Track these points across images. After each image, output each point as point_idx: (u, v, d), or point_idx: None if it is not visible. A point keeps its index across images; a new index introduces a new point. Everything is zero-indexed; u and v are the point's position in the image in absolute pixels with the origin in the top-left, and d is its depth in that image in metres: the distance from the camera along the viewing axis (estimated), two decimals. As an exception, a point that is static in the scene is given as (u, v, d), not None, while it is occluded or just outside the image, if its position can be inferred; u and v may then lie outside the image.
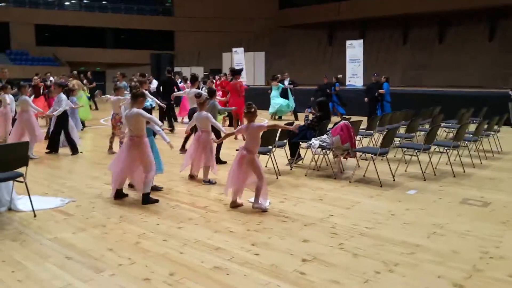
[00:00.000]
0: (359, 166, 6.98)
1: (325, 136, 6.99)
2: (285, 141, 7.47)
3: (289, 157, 7.63)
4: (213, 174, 6.38)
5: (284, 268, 3.59)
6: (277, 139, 6.98)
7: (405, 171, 7.31)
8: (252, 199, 5.36)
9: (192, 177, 6.59)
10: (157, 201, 5.33)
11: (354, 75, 19.98)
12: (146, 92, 9.88)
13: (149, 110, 5.97)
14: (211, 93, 7.76)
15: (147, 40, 35.00)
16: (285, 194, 5.84)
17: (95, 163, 7.82)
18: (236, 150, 5.54)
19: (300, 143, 7.36)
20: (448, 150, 7.17)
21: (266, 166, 6.88)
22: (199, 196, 5.70)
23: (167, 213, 4.98)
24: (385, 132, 7.18)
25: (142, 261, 3.65)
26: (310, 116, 7.87)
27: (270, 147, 6.74)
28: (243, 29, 34.88)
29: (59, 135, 8.41)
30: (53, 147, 8.41)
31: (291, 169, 7.41)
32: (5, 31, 31.42)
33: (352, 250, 3.97)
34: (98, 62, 34.23)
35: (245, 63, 24.58)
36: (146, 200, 5.25)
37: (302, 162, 7.67)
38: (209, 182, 6.33)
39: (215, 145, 6.64)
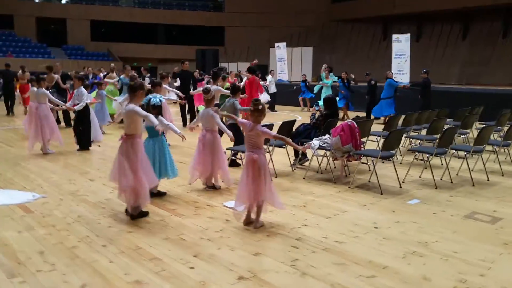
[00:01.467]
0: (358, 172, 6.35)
1: (326, 136, 6.41)
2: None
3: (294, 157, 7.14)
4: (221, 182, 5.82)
5: (212, 286, 3.17)
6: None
7: (420, 177, 6.58)
8: (228, 203, 4.95)
9: (209, 187, 5.79)
10: (146, 214, 4.65)
11: (400, 71, 18.76)
12: (166, 86, 9.75)
13: (159, 107, 5.19)
14: (234, 90, 7.19)
15: (198, 36, 35.37)
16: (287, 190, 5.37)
17: (101, 159, 7.76)
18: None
19: (304, 143, 6.81)
20: (468, 155, 6.32)
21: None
22: (178, 198, 5.38)
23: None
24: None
25: (63, 269, 3.38)
26: (317, 115, 7.29)
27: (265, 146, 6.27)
28: (294, 23, 34.28)
29: (87, 130, 8.33)
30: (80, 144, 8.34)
31: (292, 170, 6.90)
32: (62, 27, 33.07)
33: (303, 269, 3.46)
34: (149, 57, 35.13)
35: (293, 58, 24.04)
36: (137, 216, 4.54)
37: (309, 164, 7.12)
38: (213, 186, 5.77)
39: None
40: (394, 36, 19.15)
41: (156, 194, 5.26)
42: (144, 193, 4.40)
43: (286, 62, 23.05)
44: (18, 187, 5.69)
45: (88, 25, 33.99)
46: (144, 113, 4.52)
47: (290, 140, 4.45)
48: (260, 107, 4.33)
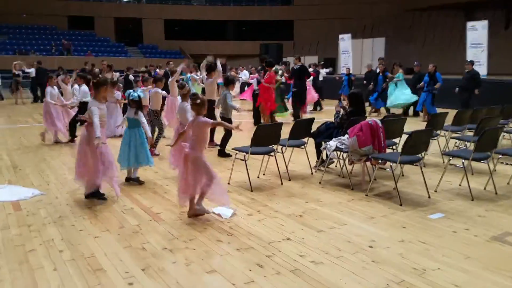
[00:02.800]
0: (373, 177, 5.58)
1: (346, 136, 5.74)
2: (305, 139, 6.37)
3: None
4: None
5: (137, 308, 2.81)
6: (284, 136, 5.96)
7: (460, 185, 5.67)
8: (216, 209, 4.58)
9: None
10: (104, 199, 4.96)
11: (477, 63, 16.92)
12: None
13: (137, 102, 5.49)
14: (228, 83, 7.13)
15: (267, 31, 35.14)
16: (265, 205, 4.89)
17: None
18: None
19: (323, 143, 6.19)
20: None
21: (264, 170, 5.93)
22: (169, 200, 5.09)
23: (107, 217, 4.48)
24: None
25: (4, 274, 3.22)
26: (342, 112, 6.58)
27: (272, 146, 5.78)
28: (366, 14, 32.71)
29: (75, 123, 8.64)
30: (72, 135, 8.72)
31: (312, 173, 6.31)
32: (138, 27, 34.62)
33: (254, 295, 2.98)
34: (218, 54, 35.59)
35: (364, 51, 22.86)
36: (91, 194, 4.95)
37: (336, 166, 6.48)
38: None
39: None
40: (469, 24, 17.34)
41: (135, 180, 5.66)
42: (90, 179, 4.83)
43: (351, 55, 21.92)
44: (27, 182, 5.77)
45: (162, 24, 35.25)
46: (93, 115, 4.73)
47: (225, 123, 4.38)
48: (198, 101, 4.31)
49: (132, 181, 5.66)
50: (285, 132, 5.93)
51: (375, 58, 21.66)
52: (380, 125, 5.61)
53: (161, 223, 4.34)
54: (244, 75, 19.64)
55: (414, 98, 12.88)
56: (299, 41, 35.16)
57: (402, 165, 5.11)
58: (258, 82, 11.66)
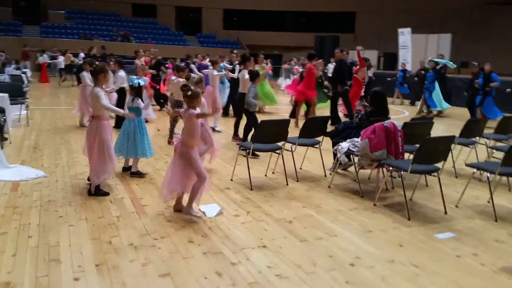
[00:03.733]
0: (388, 188, 5.07)
1: (359, 138, 5.28)
2: (318, 138, 5.96)
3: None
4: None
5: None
6: (291, 134, 5.60)
7: (488, 202, 5.04)
8: (202, 207, 4.37)
9: None
10: (107, 194, 4.73)
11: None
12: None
13: (137, 88, 5.45)
14: (253, 76, 6.83)
15: (327, 23, 34.25)
16: (258, 207, 4.60)
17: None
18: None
19: (339, 142, 5.75)
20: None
21: (269, 170, 5.60)
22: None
23: (92, 205, 4.40)
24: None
25: (-43, 257, 3.22)
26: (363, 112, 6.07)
27: (279, 144, 5.44)
28: (435, 7, 30.84)
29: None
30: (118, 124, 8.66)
31: (325, 175, 5.90)
32: (197, 16, 35.09)
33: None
34: (275, 45, 35.25)
35: (429, 47, 21.50)
36: (95, 192, 4.68)
37: (357, 170, 6.02)
38: None
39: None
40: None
41: (135, 173, 5.46)
42: (94, 172, 4.62)
43: (410, 51, 20.68)
44: (38, 164, 5.88)
45: (221, 13, 35.48)
46: (102, 100, 4.48)
47: (206, 112, 4.15)
48: (189, 93, 4.01)
49: (132, 175, 5.45)
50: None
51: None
52: (399, 128, 5.10)
53: (142, 216, 4.19)
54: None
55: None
56: (361, 34, 33.94)
57: (402, 174, 4.58)
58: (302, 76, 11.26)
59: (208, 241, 3.68)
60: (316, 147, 5.93)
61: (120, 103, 8.30)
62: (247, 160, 5.25)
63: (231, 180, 5.50)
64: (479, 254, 3.67)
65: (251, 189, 5.17)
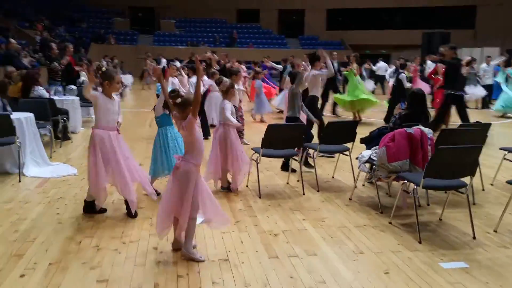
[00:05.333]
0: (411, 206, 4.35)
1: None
2: (347, 145, 5.41)
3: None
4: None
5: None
6: (311, 138, 5.17)
7: None
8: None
9: (223, 188, 5.13)
10: (104, 211, 4.33)
11: None
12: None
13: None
14: (293, 78, 6.28)
15: (443, 19, 31.55)
16: (252, 216, 4.32)
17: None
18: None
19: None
20: None
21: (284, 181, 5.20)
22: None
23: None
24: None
25: None
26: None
27: (293, 150, 5.06)
28: None
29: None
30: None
31: (355, 187, 5.33)
32: (300, 18, 34.95)
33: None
34: (384, 44, 33.50)
35: None
36: (85, 209, 4.32)
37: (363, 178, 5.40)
38: (228, 188, 5.09)
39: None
40: None
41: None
42: (91, 186, 4.18)
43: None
44: (77, 162, 6.29)
45: (324, 14, 34.88)
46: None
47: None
48: (178, 100, 3.37)
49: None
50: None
51: None
52: (430, 136, 4.40)
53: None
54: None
55: None
56: (482, 30, 30.59)
57: (415, 189, 3.87)
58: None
59: (170, 250, 3.53)
60: (346, 154, 5.40)
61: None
62: (257, 166, 4.98)
63: (246, 186, 5.27)
64: (487, 292, 2.96)
65: (260, 197, 4.89)
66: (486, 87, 14.02)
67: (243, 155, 4.98)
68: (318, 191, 5.18)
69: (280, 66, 13.20)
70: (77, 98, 8.58)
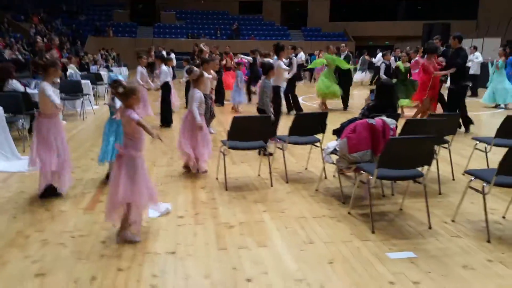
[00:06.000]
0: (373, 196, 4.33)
1: (347, 137, 4.64)
2: (319, 136, 5.39)
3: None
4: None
5: None
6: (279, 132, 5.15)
7: (504, 217, 4.11)
8: (153, 214, 4.15)
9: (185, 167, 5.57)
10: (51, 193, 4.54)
11: None
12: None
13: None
14: (266, 69, 6.28)
15: (442, 10, 31.18)
16: (213, 208, 4.34)
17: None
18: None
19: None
20: None
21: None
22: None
23: (58, 202, 4.60)
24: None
25: None
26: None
27: (263, 142, 5.05)
28: None
29: (167, 106, 8.73)
30: (164, 121, 8.79)
31: (325, 177, 5.33)
32: (303, 9, 34.70)
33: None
34: (387, 36, 33.19)
35: None
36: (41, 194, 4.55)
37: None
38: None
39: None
40: None
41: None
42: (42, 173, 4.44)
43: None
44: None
45: (328, 5, 34.60)
46: (48, 93, 4.27)
47: (149, 128, 3.47)
48: (120, 90, 3.45)
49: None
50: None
51: None
52: (392, 126, 4.37)
53: (83, 213, 4.22)
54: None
55: None
56: (484, 20, 30.09)
57: (369, 179, 3.85)
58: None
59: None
60: (317, 146, 5.38)
61: (165, 98, 8.58)
62: (224, 158, 4.99)
63: (216, 178, 5.29)
64: (422, 283, 2.95)
65: (226, 189, 4.90)
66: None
67: (206, 142, 5.34)
68: (287, 182, 5.18)
69: (250, 58, 13.15)
70: (57, 91, 8.63)
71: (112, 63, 19.18)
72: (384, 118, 4.38)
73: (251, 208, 4.35)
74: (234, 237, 3.68)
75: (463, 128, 8.29)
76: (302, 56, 23.10)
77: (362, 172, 4.08)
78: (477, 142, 5.41)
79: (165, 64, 8.63)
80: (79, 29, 27.66)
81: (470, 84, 13.01)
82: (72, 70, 12.56)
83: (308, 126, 5.21)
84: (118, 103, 4.55)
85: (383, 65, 10.24)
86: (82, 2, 32.15)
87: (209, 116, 7.12)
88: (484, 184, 3.65)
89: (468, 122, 8.31)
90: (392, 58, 13.33)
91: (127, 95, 3.47)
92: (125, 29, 30.11)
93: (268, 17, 34.25)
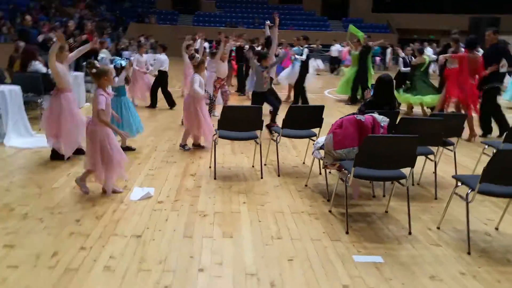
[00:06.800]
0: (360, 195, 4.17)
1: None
2: (316, 130, 5.26)
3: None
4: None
5: None
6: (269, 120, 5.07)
7: (496, 228, 3.88)
8: (137, 189, 4.32)
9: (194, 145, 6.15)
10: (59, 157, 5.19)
11: None
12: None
13: (119, 70, 5.53)
14: (261, 57, 6.47)
15: (493, 2, 29.47)
16: (194, 196, 4.34)
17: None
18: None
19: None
20: None
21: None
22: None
23: (45, 173, 4.76)
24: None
25: None
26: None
27: (255, 132, 4.99)
28: None
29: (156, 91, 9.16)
30: (152, 102, 9.23)
31: (320, 173, 5.21)
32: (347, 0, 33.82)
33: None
34: (432, 29, 31.84)
35: None
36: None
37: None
38: (198, 145, 6.07)
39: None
40: None
41: (126, 148, 5.48)
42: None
43: None
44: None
45: (371, -5, 33.61)
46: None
47: (114, 126, 3.69)
48: (94, 70, 4.00)
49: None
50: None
51: None
52: (383, 124, 4.19)
53: (71, 191, 4.34)
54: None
55: None
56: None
57: (347, 178, 3.69)
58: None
59: (92, 223, 3.63)
60: (313, 140, 5.25)
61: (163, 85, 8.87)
62: (214, 148, 4.97)
63: (209, 167, 5.29)
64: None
65: (215, 178, 4.89)
66: None
67: (207, 124, 5.74)
68: (278, 175, 5.11)
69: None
70: (81, 73, 8.89)
71: (147, 48, 19.48)
72: (375, 115, 4.21)
73: (231, 199, 4.32)
74: (203, 226, 3.67)
75: (496, 132, 7.55)
76: (338, 47, 22.61)
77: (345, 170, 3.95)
78: (486, 146, 5.11)
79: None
80: (122, 15, 28.32)
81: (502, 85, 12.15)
82: (104, 54, 12.93)
83: (303, 120, 5.08)
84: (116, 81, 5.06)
85: (401, 59, 9.87)
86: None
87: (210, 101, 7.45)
88: (469, 191, 3.44)
89: (489, 129, 7.56)
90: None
91: (99, 75, 3.96)
92: (167, 16, 30.54)
93: (309, 7, 33.68)
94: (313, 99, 11.68)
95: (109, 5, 29.13)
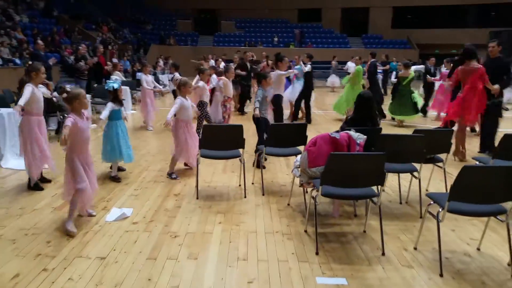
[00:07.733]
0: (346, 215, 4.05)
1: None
2: (297, 148, 5.19)
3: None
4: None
5: None
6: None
7: (478, 249, 3.71)
8: (110, 217, 4.29)
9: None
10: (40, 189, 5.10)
11: None
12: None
13: (114, 92, 5.39)
14: (260, 78, 6.21)
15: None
16: (171, 217, 4.33)
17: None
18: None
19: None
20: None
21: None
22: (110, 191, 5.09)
23: (29, 196, 4.85)
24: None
25: None
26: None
27: (238, 151, 4.96)
28: None
29: None
30: None
31: (306, 192, 5.11)
32: (364, 16, 33.76)
33: None
34: (454, 43, 31.27)
35: None
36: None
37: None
38: (169, 175, 5.72)
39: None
40: None
41: (113, 178, 5.52)
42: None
43: None
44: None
45: (390, 12, 33.40)
46: (25, 95, 4.75)
47: (65, 138, 3.71)
48: (64, 95, 4.15)
49: (111, 179, 5.54)
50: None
51: None
52: (359, 142, 4.10)
53: (51, 212, 4.40)
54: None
55: None
56: None
57: (316, 197, 3.58)
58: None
59: (62, 244, 3.66)
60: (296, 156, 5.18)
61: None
62: (197, 168, 4.97)
63: (196, 186, 5.27)
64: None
65: (197, 198, 4.88)
66: None
67: (195, 146, 5.52)
68: (263, 194, 5.05)
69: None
70: (88, 95, 9.14)
71: (165, 69, 19.90)
72: (351, 132, 4.13)
73: (208, 219, 4.28)
74: (171, 247, 3.64)
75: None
76: (354, 64, 22.42)
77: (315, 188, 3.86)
78: (477, 163, 4.92)
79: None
80: (144, 38, 29.12)
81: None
82: (118, 76, 13.26)
83: (285, 138, 5.03)
84: (108, 107, 5.07)
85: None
86: (149, 12, 33.85)
87: (204, 120, 7.29)
88: (440, 210, 3.30)
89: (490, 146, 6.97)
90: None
91: (69, 100, 3.87)
92: (188, 38, 31.21)
93: (328, 25, 33.75)
94: (321, 116, 11.61)
95: (132, 28, 30.02)
